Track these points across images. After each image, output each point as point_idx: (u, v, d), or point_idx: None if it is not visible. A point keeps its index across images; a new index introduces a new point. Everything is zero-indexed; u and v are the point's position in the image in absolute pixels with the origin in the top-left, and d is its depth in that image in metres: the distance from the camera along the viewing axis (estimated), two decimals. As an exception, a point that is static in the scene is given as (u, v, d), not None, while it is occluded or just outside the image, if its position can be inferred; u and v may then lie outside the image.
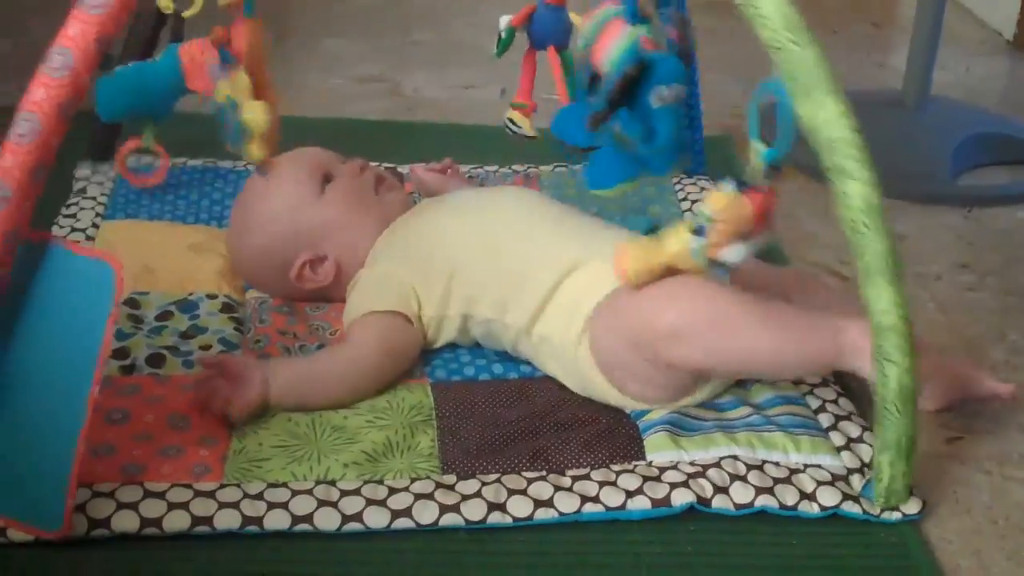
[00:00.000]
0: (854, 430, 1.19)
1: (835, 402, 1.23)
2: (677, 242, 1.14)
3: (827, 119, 0.97)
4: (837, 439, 1.18)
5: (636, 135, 1.16)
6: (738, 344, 1.14)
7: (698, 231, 1.12)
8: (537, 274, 1.24)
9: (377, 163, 1.58)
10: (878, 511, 1.10)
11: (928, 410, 1.25)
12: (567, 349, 1.22)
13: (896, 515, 1.10)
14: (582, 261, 1.24)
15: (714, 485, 1.11)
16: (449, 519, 1.07)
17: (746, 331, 1.13)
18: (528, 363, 1.29)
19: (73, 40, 0.95)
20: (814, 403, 1.23)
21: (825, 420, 1.21)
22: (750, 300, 1.14)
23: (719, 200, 1.11)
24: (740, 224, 1.10)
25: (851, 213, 1.00)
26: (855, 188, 0.99)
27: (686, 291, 1.14)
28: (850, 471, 1.14)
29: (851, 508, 1.10)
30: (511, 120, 1.46)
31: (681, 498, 1.09)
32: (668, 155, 1.20)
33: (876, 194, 0.99)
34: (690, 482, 1.11)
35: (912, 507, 1.11)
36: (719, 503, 1.10)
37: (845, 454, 1.16)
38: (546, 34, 1.34)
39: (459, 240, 1.30)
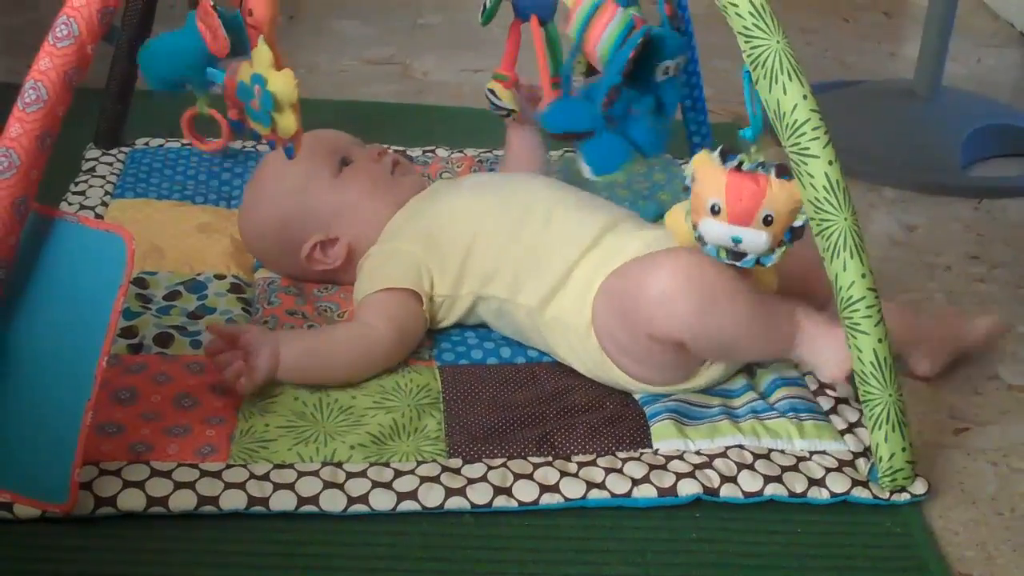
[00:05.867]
0: (852, 414, 1.20)
1: (833, 385, 1.23)
2: (679, 208, 1.16)
3: (790, 103, 1.01)
4: (839, 423, 1.19)
5: (648, 108, 1.18)
6: (718, 314, 1.14)
7: (686, 190, 1.13)
8: (553, 255, 1.24)
9: (387, 146, 1.58)
10: (887, 495, 1.10)
11: (924, 376, 1.27)
12: (579, 330, 1.22)
13: (904, 496, 1.10)
14: (597, 245, 1.24)
15: (721, 475, 1.11)
16: (455, 502, 1.07)
17: (726, 301, 1.14)
18: (535, 347, 1.29)
19: (77, 10, 0.96)
20: (813, 384, 1.24)
21: (825, 403, 1.21)
22: (731, 275, 1.14)
23: (695, 161, 1.12)
24: (710, 189, 1.09)
25: (815, 192, 1.03)
26: (818, 167, 1.02)
27: (671, 258, 1.15)
28: (855, 455, 1.14)
29: (861, 494, 1.10)
30: (492, 91, 1.46)
31: (687, 489, 1.09)
32: (661, 135, 1.25)
33: (838, 172, 1.02)
34: (696, 472, 1.11)
35: (919, 487, 1.11)
36: (727, 492, 1.10)
37: (848, 437, 1.17)
38: (529, 4, 1.34)
39: (477, 219, 1.29)
